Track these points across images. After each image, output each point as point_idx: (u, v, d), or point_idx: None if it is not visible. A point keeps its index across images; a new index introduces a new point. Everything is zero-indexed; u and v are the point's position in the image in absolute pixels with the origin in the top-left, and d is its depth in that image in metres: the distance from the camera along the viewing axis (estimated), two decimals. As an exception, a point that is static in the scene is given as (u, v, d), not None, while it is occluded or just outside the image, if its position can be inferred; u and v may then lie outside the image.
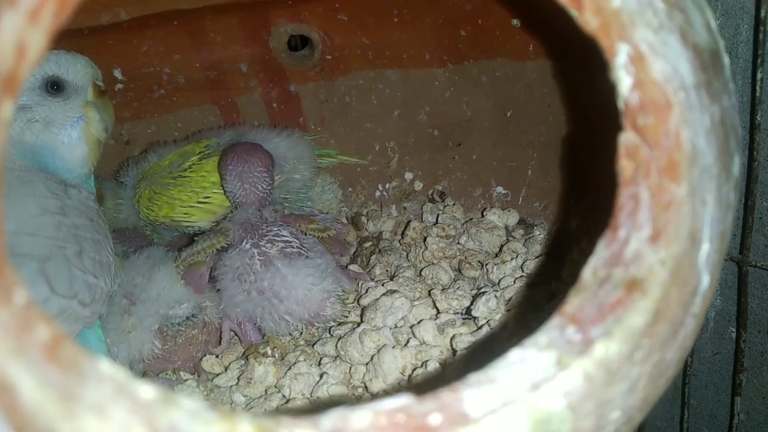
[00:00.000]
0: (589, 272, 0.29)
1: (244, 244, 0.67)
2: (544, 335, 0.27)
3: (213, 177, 0.75)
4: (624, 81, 0.28)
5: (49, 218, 0.53)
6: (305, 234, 0.71)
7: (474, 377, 0.26)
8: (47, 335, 0.20)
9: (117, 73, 0.79)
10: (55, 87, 0.58)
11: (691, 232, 0.28)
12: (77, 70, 0.60)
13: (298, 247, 0.68)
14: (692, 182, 0.28)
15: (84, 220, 0.56)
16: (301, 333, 0.68)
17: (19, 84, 0.20)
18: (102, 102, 0.62)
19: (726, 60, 0.33)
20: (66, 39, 0.72)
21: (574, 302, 0.28)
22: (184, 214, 0.75)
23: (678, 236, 0.27)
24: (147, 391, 0.21)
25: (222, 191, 0.74)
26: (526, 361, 0.26)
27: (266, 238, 0.67)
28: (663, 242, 0.27)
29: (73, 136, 0.60)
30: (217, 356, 0.68)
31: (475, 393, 0.25)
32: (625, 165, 0.29)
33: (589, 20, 0.28)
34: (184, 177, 0.75)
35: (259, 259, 0.66)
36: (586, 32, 0.29)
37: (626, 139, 0.29)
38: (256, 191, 0.72)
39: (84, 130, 0.60)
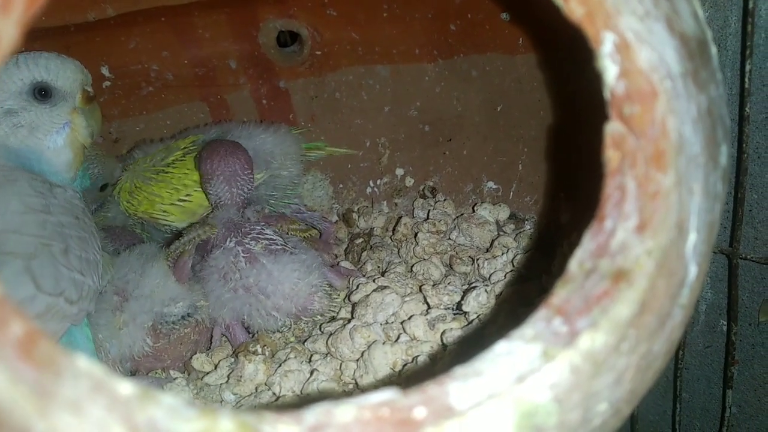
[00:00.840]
0: (575, 264, 0.28)
1: (228, 243, 0.67)
2: (531, 327, 0.27)
3: (194, 175, 0.74)
4: (610, 70, 0.28)
5: (33, 216, 0.52)
6: (288, 234, 0.71)
7: (460, 370, 0.26)
8: (21, 331, 0.19)
9: (104, 71, 0.79)
10: (42, 93, 0.58)
11: (678, 221, 0.28)
12: (66, 77, 0.59)
13: (282, 245, 0.67)
14: (679, 171, 0.28)
15: (70, 218, 0.56)
16: (290, 328, 0.68)
17: (-11, 75, 0.20)
18: (90, 108, 0.62)
19: (713, 50, 0.33)
20: (53, 36, 0.72)
21: (560, 294, 0.28)
22: (163, 212, 0.75)
23: (665, 226, 0.27)
24: (125, 387, 0.21)
25: (202, 191, 0.74)
26: (513, 354, 0.26)
27: (250, 236, 0.67)
28: (650, 232, 0.27)
29: (59, 143, 0.59)
30: (207, 354, 0.67)
31: (460, 386, 0.25)
32: (611, 155, 0.28)
33: (574, 9, 0.28)
34: (166, 173, 0.75)
35: (243, 257, 0.65)
36: (571, 21, 0.29)
37: (612, 128, 0.28)
38: (241, 192, 0.72)
39: (69, 137, 0.60)
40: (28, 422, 0.18)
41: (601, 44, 0.28)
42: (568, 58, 0.71)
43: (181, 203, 0.75)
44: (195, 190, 0.74)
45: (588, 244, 0.28)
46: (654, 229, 0.27)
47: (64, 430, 0.18)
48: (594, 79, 0.31)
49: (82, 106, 0.60)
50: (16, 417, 0.18)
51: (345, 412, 0.24)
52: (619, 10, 0.28)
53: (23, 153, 0.57)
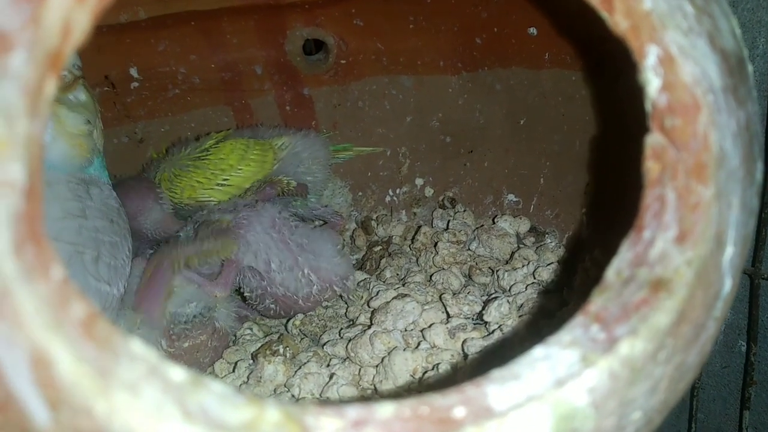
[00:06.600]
0: (612, 272, 0.29)
1: (272, 206, 0.70)
2: (568, 333, 0.27)
3: (231, 160, 0.76)
4: (652, 82, 0.28)
5: (71, 222, 0.52)
6: (284, 193, 0.76)
7: (497, 373, 0.26)
8: (83, 312, 0.20)
9: (133, 72, 0.80)
10: None
11: (717, 234, 0.28)
12: None
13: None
14: (719, 184, 0.28)
15: (104, 222, 0.56)
16: (303, 322, 0.70)
17: (62, 62, 0.20)
18: (73, 94, 0.58)
19: (750, 67, 0.33)
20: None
21: (597, 302, 0.28)
22: (207, 196, 0.77)
23: (704, 237, 0.27)
24: (177, 373, 0.21)
25: (240, 173, 0.76)
26: (551, 358, 0.26)
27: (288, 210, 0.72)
28: (689, 243, 0.27)
29: (47, 137, 0.54)
30: (222, 358, 0.67)
31: (499, 388, 0.25)
32: (651, 166, 0.29)
33: (619, 22, 0.29)
34: (203, 159, 0.77)
35: (294, 221, 0.69)
36: (615, 34, 0.29)
37: (653, 140, 0.29)
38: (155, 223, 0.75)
39: (56, 130, 0.55)
40: (89, 400, 0.19)
41: (645, 57, 0.28)
42: (596, 75, 0.71)
43: (221, 187, 0.77)
44: (232, 174, 0.77)
45: (626, 253, 0.29)
46: (694, 240, 0.27)
47: (124, 410, 0.19)
48: (625, 93, 0.31)
49: (61, 95, 0.56)
50: (77, 394, 0.19)
51: (385, 408, 0.24)
52: (664, 24, 0.28)
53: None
